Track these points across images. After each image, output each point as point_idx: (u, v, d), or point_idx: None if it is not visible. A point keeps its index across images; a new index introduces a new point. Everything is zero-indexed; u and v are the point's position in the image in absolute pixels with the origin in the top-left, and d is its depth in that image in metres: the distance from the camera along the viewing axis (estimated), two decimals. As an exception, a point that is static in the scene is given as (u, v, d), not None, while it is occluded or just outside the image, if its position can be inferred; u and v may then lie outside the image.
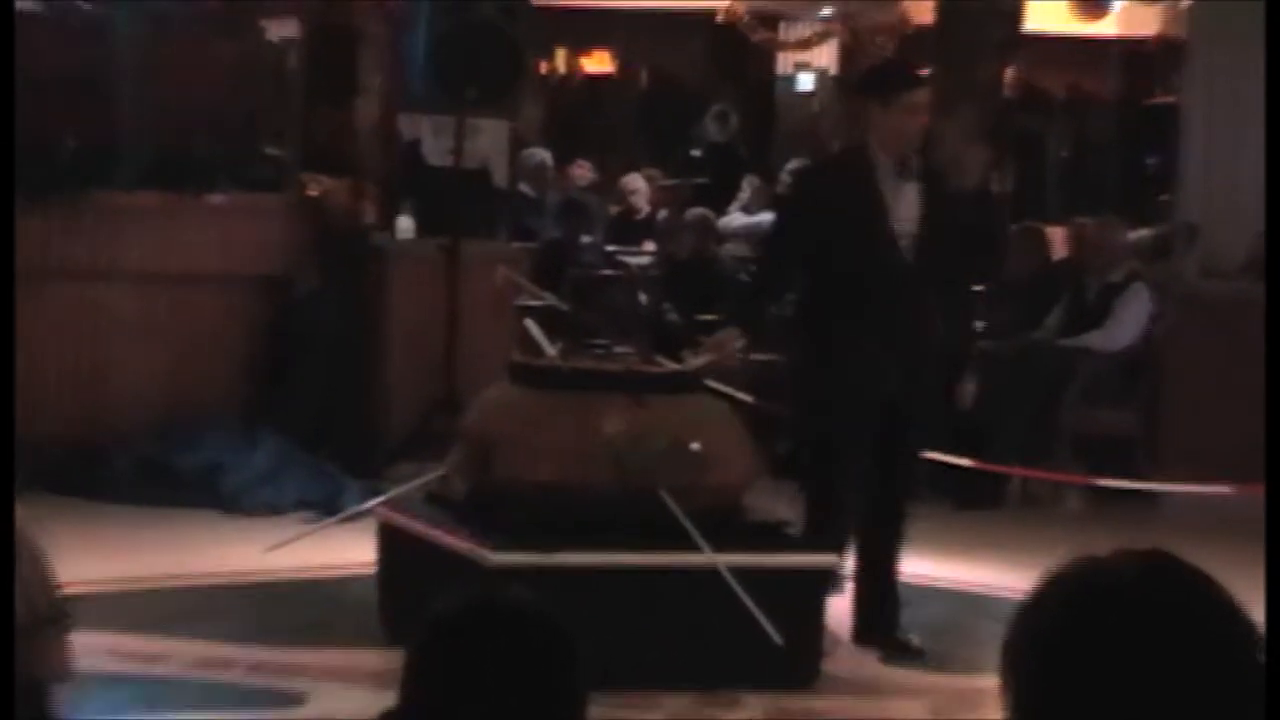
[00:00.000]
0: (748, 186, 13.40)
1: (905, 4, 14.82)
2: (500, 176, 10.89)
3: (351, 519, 7.52)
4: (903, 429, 6.69)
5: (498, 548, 6.06)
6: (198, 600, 7.20)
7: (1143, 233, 10.98)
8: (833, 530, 6.70)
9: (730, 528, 6.40)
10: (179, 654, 6.50)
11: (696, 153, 14.77)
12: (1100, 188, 14.22)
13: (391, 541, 6.82)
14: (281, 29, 11.61)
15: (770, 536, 6.59)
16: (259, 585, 7.33)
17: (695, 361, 7.36)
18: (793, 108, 16.37)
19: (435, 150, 10.63)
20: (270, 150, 11.01)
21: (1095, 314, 9.84)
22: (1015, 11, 12.80)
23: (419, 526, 6.60)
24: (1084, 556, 1.70)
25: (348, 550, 7.45)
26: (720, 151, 14.52)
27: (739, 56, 16.45)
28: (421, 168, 10.73)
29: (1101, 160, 15.29)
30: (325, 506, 8.42)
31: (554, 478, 6.32)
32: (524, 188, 12.12)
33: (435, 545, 6.39)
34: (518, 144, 12.07)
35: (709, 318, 10.35)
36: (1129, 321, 9.77)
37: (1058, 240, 11.04)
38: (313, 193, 10.04)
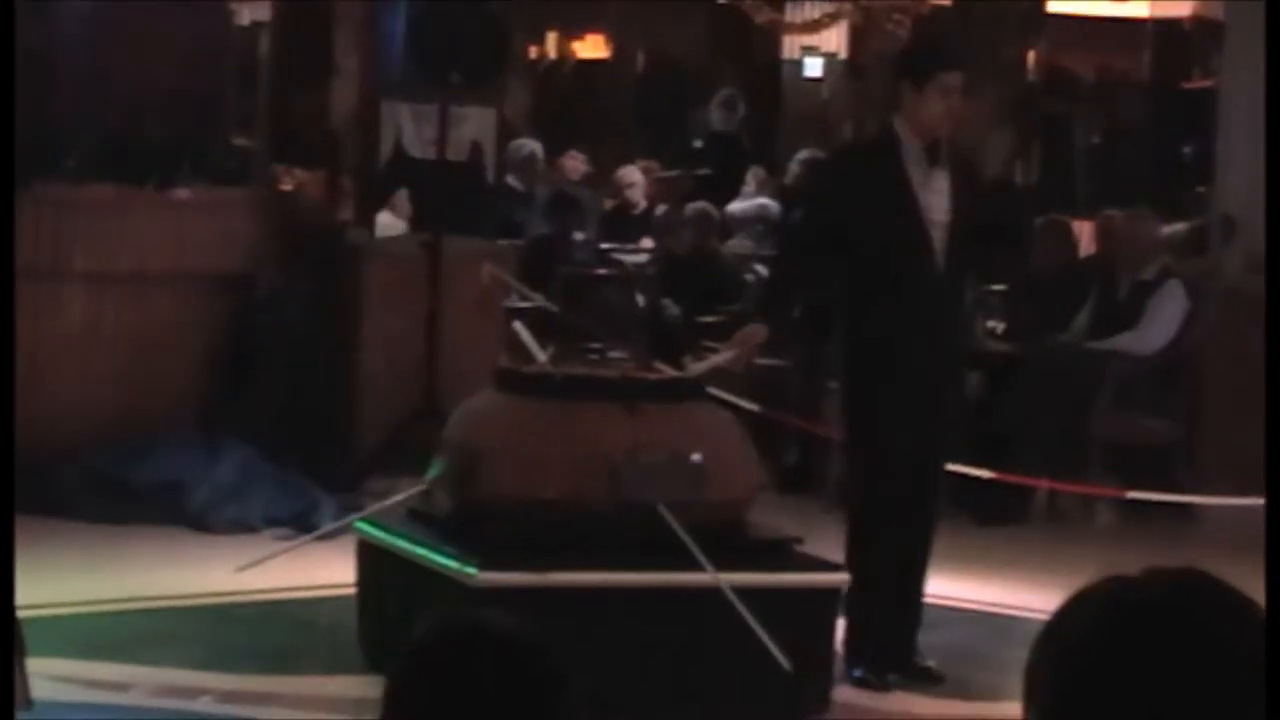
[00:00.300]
0: (752, 179, 13.39)
1: None
2: (487, 168, 11.11)
3: (327, 537, 7.46)
4: (940, 440, 6.68)
5: (483, 567, 6.06)
6: (163, 623, 7.17)
7: (1178, 226, 10.81)
8: (877, 551, 6.59)
9: (734, 545, 6.36)
10: (143, 681, 6.43)
11: (698, 143, 14.69)
12: (1132, 177, 13.84)
13: (371, 561, 6.79)
14: (254, 12, 11.56)
15: (777, 554, 6.54)
16: (228, 607, 7.31)
17: (697, 367, 7.37)
18: (800, 94, 16.11)
19: (416, 140, 10.71)
20: (237, 140, 11.01)
21: (1127, 314, 9.69)
22: None
23: (400, 545, 6.56)
24: (1112, 575, 1.67)
25: (322, 569, 7.43)
26: (723, 141, 14.44)
27: (743, 40, 16.35)
28: (402, 159, 10.83)
29: (1133, 148, 14.87)
30: (296, 523, 8.40)
31: (544, 493, 6.27)
32: (512, 180, 12.15)
33: (417, 565, 6.37)
34: (505, 134, 12.22)
35: (710, 318, 10.44)
36: (1163, 321, 9.61)
37: (1086, 235, 10.92)
38: (286, 186, 9.92)
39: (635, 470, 6.21)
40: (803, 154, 12.59)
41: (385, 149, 10.95)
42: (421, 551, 6.40)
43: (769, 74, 16.20)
